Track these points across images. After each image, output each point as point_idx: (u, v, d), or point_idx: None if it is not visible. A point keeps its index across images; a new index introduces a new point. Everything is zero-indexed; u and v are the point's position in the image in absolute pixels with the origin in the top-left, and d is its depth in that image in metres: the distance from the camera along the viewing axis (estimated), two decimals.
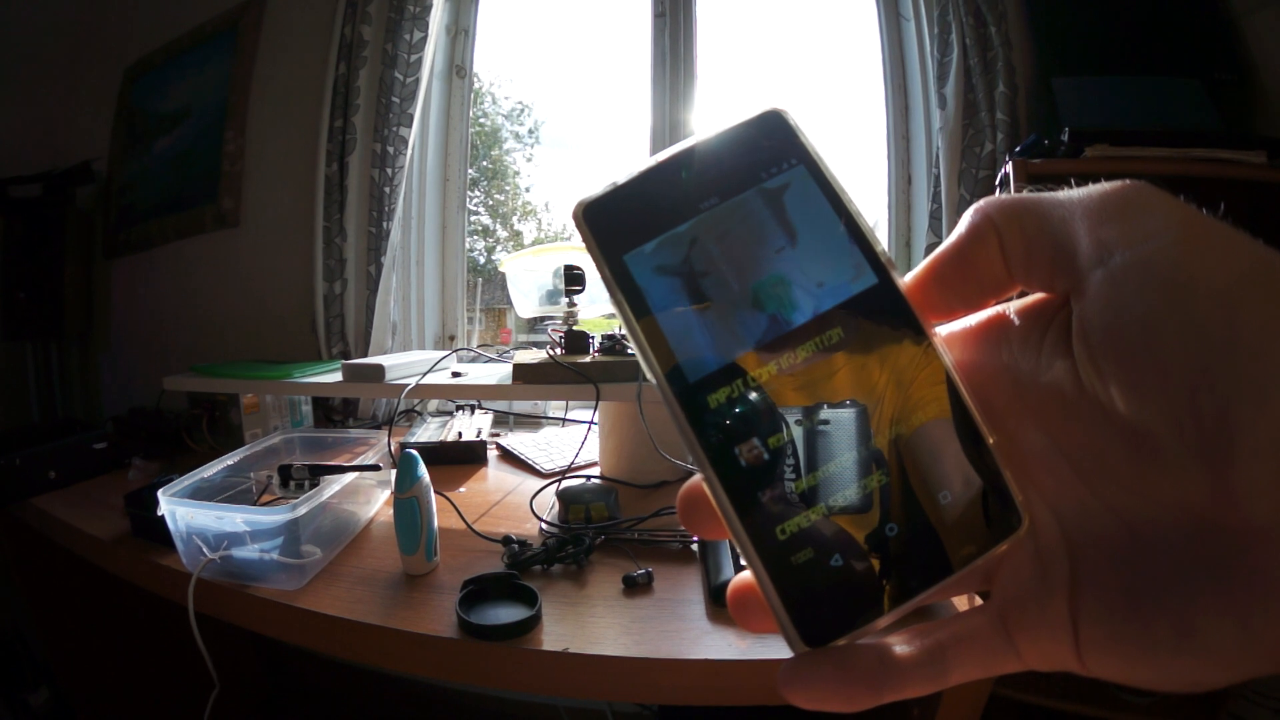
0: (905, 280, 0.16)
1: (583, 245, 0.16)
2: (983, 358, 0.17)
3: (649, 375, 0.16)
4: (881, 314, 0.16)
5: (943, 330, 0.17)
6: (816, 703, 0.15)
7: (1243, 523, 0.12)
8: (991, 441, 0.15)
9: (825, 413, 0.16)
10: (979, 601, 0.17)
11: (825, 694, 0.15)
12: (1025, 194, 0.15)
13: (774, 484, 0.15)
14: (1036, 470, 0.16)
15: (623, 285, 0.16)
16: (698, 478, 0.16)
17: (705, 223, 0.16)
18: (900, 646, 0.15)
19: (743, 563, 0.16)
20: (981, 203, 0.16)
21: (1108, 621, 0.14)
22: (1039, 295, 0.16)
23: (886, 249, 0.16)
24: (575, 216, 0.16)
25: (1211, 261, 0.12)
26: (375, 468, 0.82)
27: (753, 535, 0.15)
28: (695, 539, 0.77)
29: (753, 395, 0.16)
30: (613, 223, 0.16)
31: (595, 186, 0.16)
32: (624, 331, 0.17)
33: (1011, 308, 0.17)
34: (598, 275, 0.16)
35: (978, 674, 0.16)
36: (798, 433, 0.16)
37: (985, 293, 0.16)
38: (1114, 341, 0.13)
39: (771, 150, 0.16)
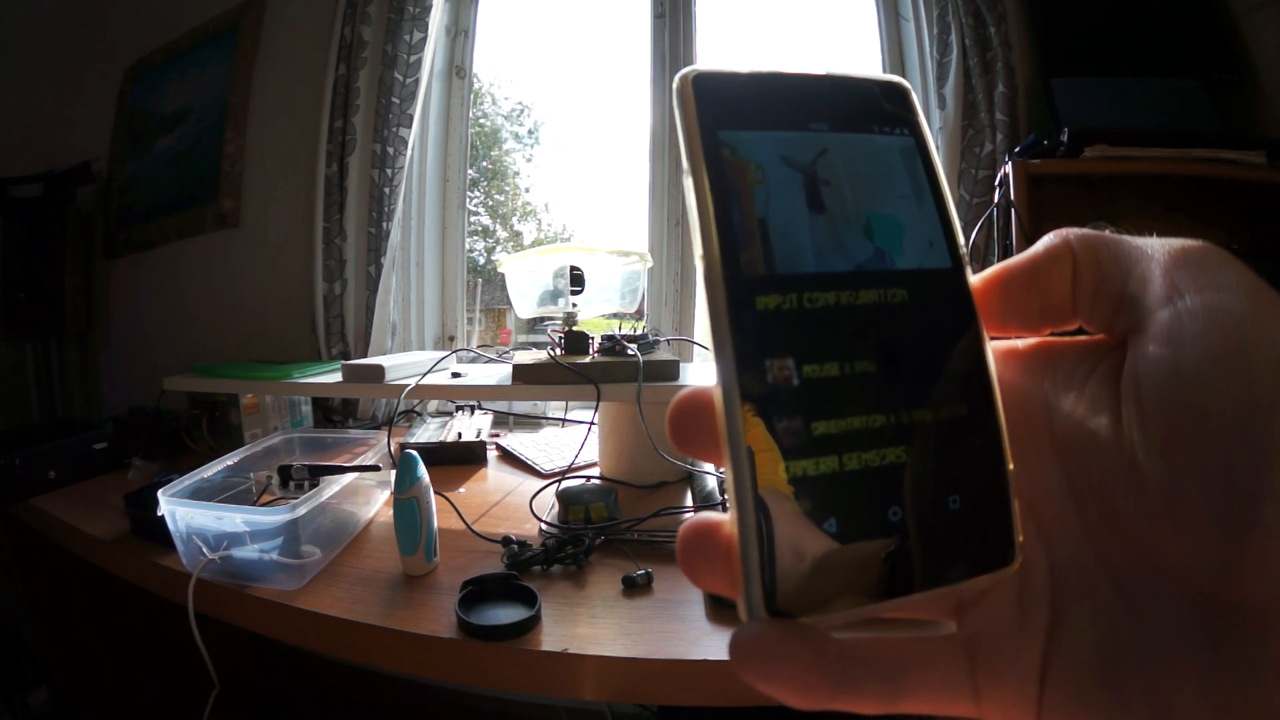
0: (972, 280, 0.16)
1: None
2: (1021, 379, 0.17)
3: (700, 256, 0.14)
4: (953, 300, 0.16)
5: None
6: (769, 682, 0.13)
7: (1245, 601, 0.12)
8: (1010, 467, 0.15)
9: (870, 364, 0.14)
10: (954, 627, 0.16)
11: (784, 675, 0.13)
12: (1106, 232, 0.15)
13: (793, 415, 0.14)
14: (1042, 508, 0.16)
15: (717, 156, 0.15)
16: (706, 385, 0.15)
17: (828, 140, 0.16)
18: (860, 650, 0.14)
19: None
20: (1063, 230, 0.16)
21: (1077, 682, 0.14)
22: (1090, 340, 0.16)
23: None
24: (682, 81, 0.15)
25: (1276, 324, 0.12)
26: (375, 468, 0.82)
27: (751, 467, 0.13)
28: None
29: (807, 313, 0.14)
30: (724, 101, 0.15)
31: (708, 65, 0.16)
32: (691, 205, 0.15)
33: (1063, 341, 0.16)
34: (684, 144, 0.15)
35: (930, 706, 0.15)
36: (838, 372, 0.14)
37: (1045, 317, 0.16)
38: (1165, 382, 0.13)
39: (891, 112, 0.16)
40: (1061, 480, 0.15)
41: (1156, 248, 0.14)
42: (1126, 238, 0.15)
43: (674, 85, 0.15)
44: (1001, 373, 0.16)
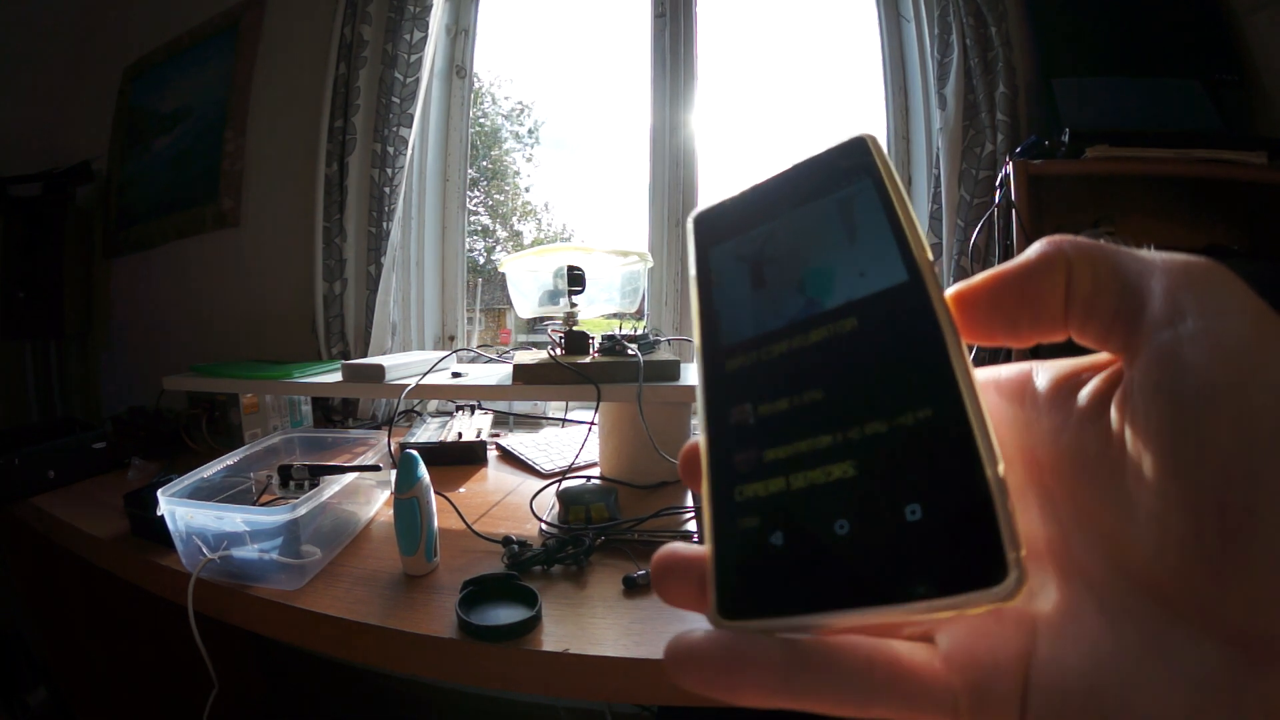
0: (958, 286, 0.16)
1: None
2: (1003, 405, 0.16)
3: (694, 339, 0.19)
4: (907, 311, 0.16)
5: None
6: (703, 683, 0.14)
7: (1238, 633, 0.12)
8: (1000, 471, 0.13)
9: (818, 393, 0.16)
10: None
11: (715, 673, 0.13)
12: (1103, 241, 0.15)
13: (749, 448, 0.16)
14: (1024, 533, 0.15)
15: (700, 271, 0.19)
16: (697, 429, 0.17)
17: (783, 224, 0.19)
18: (829, 648, 0.14)
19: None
20: (1057, 236, 0.15)
21: (1061, 711, 0.14)
22: (1075, 362, 0.16)
23: (933, 257, 0.17)
24: (690, 221, 0.21)
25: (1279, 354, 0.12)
26: (375, 468, 0.81)
27: (715, 493, 0.16)
28: (697, 539, 0.77)
29: (766, 362, 0.17)
30: (710, 227, 0.20)
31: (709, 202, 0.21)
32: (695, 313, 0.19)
33: (1045, 365, 0.16)
34: (689, 262, 0.20)
35: (908, 714, 0.14)
36: (788, 405, 0.16)
37: (1035, 326, 0.15)
38: (1163, 408, 0.13)
39: (848, 168, 0.18)
40: (1044, 507, 0.15)
41: (1158, 262, 0.14)
42: (1126, 249, 0.15)
43: (688, 223, 0.21)
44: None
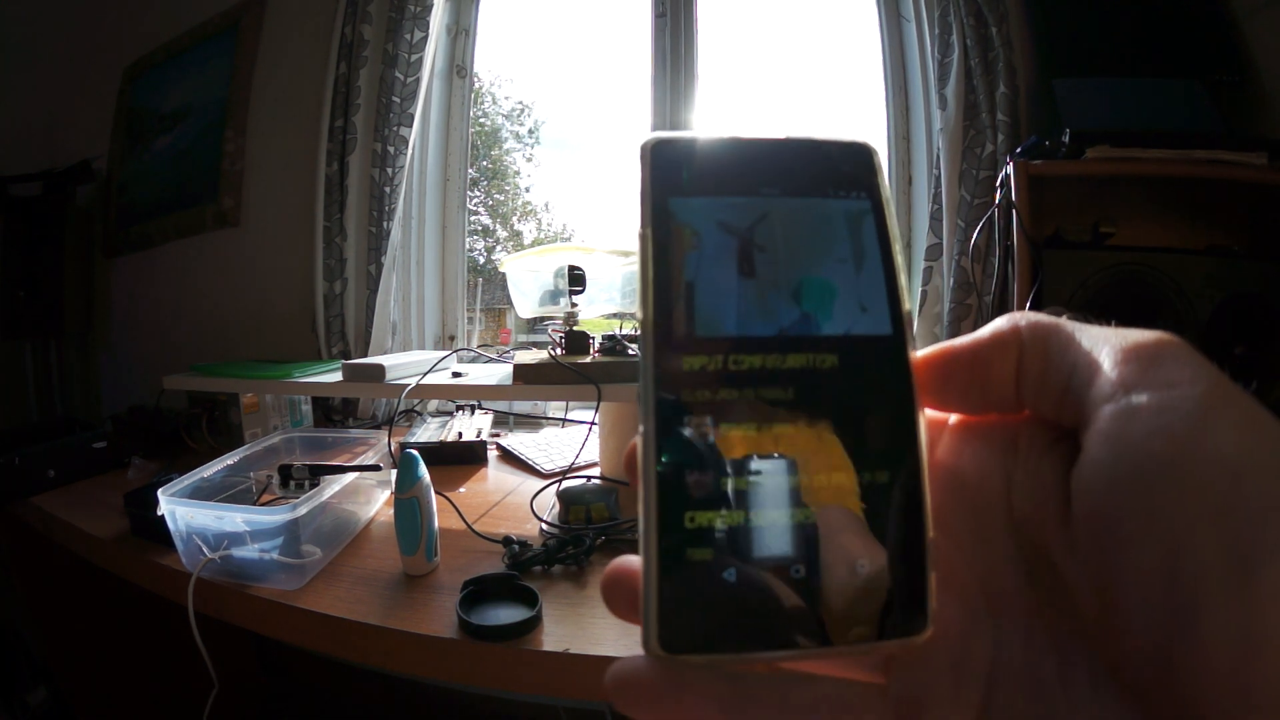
0: (917, 354, 0.16)
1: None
2: (983, 451, 0.16)
3: (639, 313, 0.15)
4: (886, 367, 0.16)
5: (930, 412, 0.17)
6: (644, 711, 0.14)
7: (1185, 705, 0.11)
8: (930, 536, 0.15)
9: (787, 426, 0.15)
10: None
11: (656, 701, 0.13)
12: (1062, 319, 0.15)
13: (705, 468, 0.14)
14: (995, 582, 0.15)
15: (658, 221, 0.15)
16: (639, 433, 0.15)
17: (772, 205, 0.16)
18: (775, 683, 0.14)
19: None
20: (1016, 315, 0.15)
21: None
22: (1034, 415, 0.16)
23: (910, 310, 0.16)
24: (642, 149, 0.16)
25: (1228, 425, 0.12)
26: (375, 468, 0.81)
27: (661, 508, 0.14)
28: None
29: (735, 374, 0.15)
30: (672, 168, 0.16)
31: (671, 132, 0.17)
32: (637, 267, 0.15)
33: (1026, 418, 0.16)
34: (639, 210, 0.16)
35: None
36: (754, 431, 0.15)
37: (986, 404, 0.16)
38: (1106, 484, 0.13)
39: (849, 175, 0.17)
40: (1016, 556, 0.15)
41: (1112, 339, 0.14)
42: (1084, 326, 0.15)
43: (637, 150, 0.16)
44: (963, 443, 0.16)
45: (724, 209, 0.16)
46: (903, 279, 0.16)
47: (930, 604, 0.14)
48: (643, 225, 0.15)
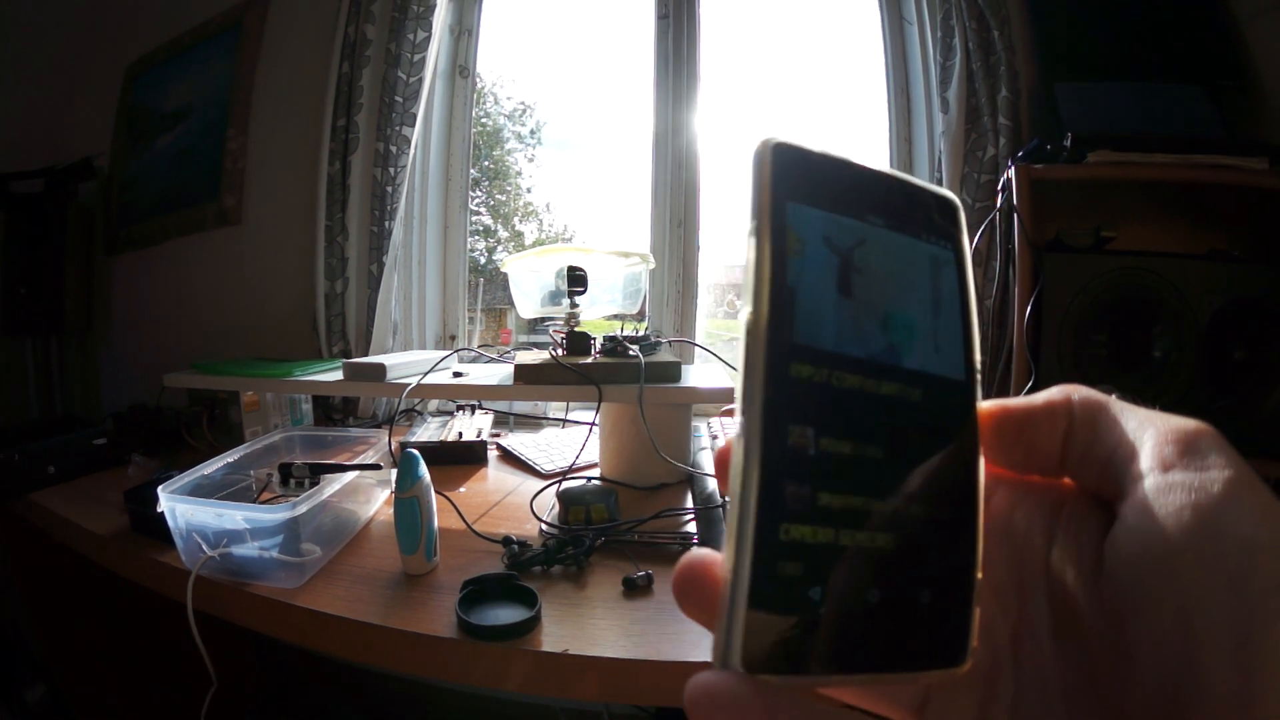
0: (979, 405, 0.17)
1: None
2: (1033, 511, 0.17)
3: (748, 310, 0.15)
4: (960, 412, 0.17)
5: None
6: None
7: None
8: (979, 577, 0.16)
9: (878, 451, 0.15)
10: None
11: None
12: (1112, 398, 0.16)
13: (803, 482, 0.14)
14: (1023, 638, 0.17)
15: (775, 224, 0.15)
16: (734, 440, 0.15)
17: (878, 238, 0.17)
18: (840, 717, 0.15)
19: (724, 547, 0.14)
20: (1069, 387, 0.17)
21: None
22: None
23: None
24: (763, 147, 0.16)
25: (1250, 509, 0.13)
26: (376, 467, 0.82)
27: (759, 519, 0.14)
28: (696, 541, 0.77)
29: (837, 390, 0.15)
30: (793, 174, 0.16)
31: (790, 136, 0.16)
32: (749, 264, 0.15)
33: (1074, 485, 0.17)
34: (753, 205, 0.15)
35: None
36: (851, 451, 0.15)
37: (1031, 464, 0.17)
38: (1141, 546, 0.14)
39: (939, 224, 0.18)
40: (1048, 616, 0.16)
41: (1156, 422, 0.15)
42: (1131, 407, 0.16)
43: (755, 149, 0.16)
44: (1017, 499, 0.18)
45: (832, 225, 0.16)
46: (976, 333, 0.17)
47: (971, 639, 0.15)
48: (758, 225, 0.15)
